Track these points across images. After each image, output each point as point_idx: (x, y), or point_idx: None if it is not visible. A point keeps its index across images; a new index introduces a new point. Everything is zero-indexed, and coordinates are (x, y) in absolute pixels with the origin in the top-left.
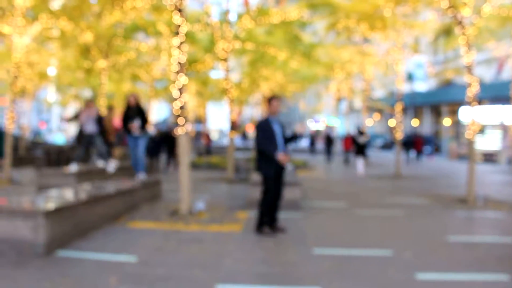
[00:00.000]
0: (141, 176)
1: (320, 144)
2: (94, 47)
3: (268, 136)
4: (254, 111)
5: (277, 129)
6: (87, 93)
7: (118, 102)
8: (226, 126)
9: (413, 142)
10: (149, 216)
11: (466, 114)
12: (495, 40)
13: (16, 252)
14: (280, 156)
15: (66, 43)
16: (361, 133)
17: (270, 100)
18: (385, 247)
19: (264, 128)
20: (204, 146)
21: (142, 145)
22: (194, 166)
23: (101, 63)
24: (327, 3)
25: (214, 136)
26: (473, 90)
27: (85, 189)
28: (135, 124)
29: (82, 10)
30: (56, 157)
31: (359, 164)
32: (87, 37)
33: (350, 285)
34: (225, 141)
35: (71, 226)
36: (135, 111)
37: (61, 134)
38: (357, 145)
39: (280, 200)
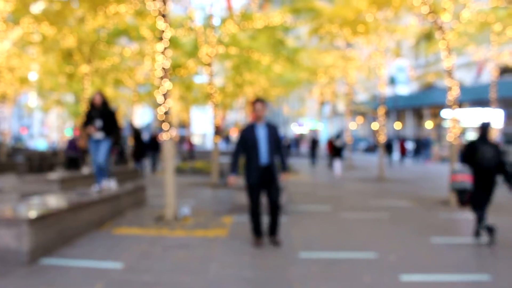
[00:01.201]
0: (106, 184)
1: (304, 148)
2: (77, 51)
3: (246, 143)
4: (238, 116)
5: (261, 134)
6: (69, 98)
7: None
8: (209, 131)
9: (399, 145)
10: (134, 222)
11: (447, 116)
12: (474, 45)
13: None
14: (230, 179)
15: (48, 48)
16: (337, 136)
17: (254, 103)
18: (370, 250)
19: (243, 134)
20: (187, 151)
21: (104, 149)
22: (179, 171)
23: (84, 68)
24: (310, 8)
25: (197, 140)
26: (454, 93)
27: (69, 196)
28: (95, 125)
29: (65, 15)
30: (38, 163)
31: (337, 165)
32: (70, 41)
33: (336, 287)
34: (209, 146)
35: (55, 234)
36: (98, 112)
37: (42, 140)
38: (334, 148)
39: (275, 213)
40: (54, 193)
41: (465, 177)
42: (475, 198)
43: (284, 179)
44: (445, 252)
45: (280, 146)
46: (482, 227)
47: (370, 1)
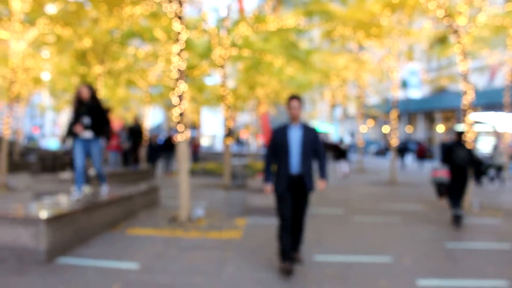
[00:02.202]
0: (104, 190)
1: None
2: (90, 52)
3: (277, 147)
4: (249, 118)
5: (295, 137)
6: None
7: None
8: (219, 132)
9: (417, 149)
10: (148, 223)
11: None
12: (489, 48)
13: (17, 260)
14: (266, 188)
15: (62, 49)
16: (341, 141)
17: (289, 101)
18: (385, 254)
19: (274, 136)
20: (191, 153)
21: (96, 154)
22: (190, 172)
23: (97, 69)
24: (324, 11)
25: (206, 141)
26: (469, 97)
27: (84, 196)
28: (82, 123)
29: (79, 16)
30: (51, 162)
31: (343, 165)
32: (84, 42)
33: None
34: (219, 147)
35: (72, 233)
36: (86, 107)
37: (54, 140)
38: (339, 151)
39: (299, 229)
40: (68, 192)
41: (443, 173)
42: (451, 190)
43: (321, 188)
44: (461, 257)
45: (320, 152)
46: (455, 213)
47: (384, 4)
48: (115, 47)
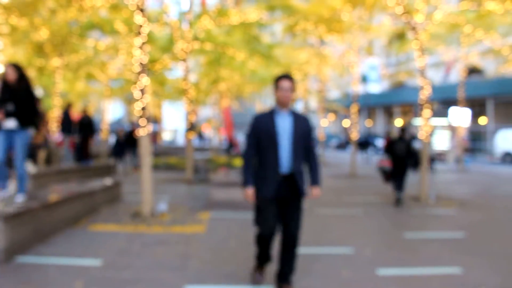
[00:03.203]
0: (18, 199)
1: None
2: (48, 44)
3: (260, 138)
4: (211, 111)
5: (284, 126)
6: (38, 93)
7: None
8: (181, 126)
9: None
10: (110, 218)
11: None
12: (444, 45)
13: None
14: (248, 194)
15: (17, 40)
16: None
17: (278, 81)
18: (347, 245)
19: (256, 125)
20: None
21: (19, 145)
22: (153, 167)
23: (55, 62)
24: (286, 6)
25: (166, 136)
26: (426, 92)
27: (43, 192)
28: (4, 109)
29: (36, 6)
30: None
31: None
32: (41, 34)
33: (316, 283)
34: (180, 142)
35: (31, 231)
36: (11, 91)
37: None
38: None
39: (291, 249)
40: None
41: (386, 163)
42: (393, 176)
43: (314, 197)
44: (419, 247)
45: (311, 149)
46: (397, 196)
47: (345, 0)
48: (74, 39)
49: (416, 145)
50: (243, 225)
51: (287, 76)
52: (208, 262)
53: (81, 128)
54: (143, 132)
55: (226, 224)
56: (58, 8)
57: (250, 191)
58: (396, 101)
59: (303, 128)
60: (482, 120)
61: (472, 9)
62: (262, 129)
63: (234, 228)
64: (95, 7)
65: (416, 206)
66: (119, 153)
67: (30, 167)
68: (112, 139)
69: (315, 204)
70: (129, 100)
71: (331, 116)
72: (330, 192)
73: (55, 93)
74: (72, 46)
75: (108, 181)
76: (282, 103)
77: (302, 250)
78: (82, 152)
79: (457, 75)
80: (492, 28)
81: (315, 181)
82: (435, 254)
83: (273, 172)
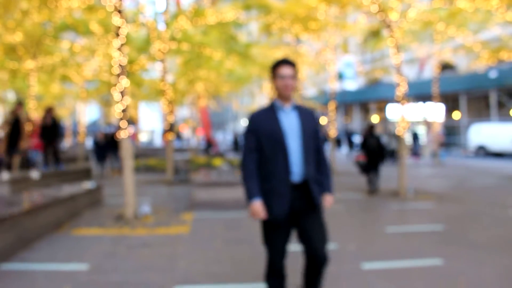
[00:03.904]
0: None
1: None
2: (21, 46)
3: (262, 141)
4: (188, 112)
5: (290, 124)
6: (11, 96)
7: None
8: (158, 127)
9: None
10: (93, 222)
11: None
12: (418, 42)
13: None
14: (254, 209)
15: None
16: None
17: (276, 68)
18: (331, 241)
19: (255, 125)
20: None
21: None
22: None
23: (29, 64)
24: (262, 5)
25: (143, 137)
26: (402, 89)
27: (24, 198)
28: None
29: (8, 7)
30: None
31: None
32: (14, 36)
33: None
34: (158, 143)
35: (14, 237)
36: None
37: None
38: None
39: (318, 269)
40: (6, 195)
41: (361, 157)
42: (368, 169)
43: (327, 205)
44: (400, 240)
45: (320, 148)
46: (371, 187)
47: None
48: (48, 41)
49: (384, 140)
50: (227, 225)
51: (286, 61)
52: (195, 262)
53: (44, 132)
54: (124, 134)
55: (210, 224)
56: (31, 9)
57: (257, 206)
58: (372, 97)
59: (311, 125)
60: (456, 115)
61: (444, 7)
62: (263, 130)
63: (218, 228)
64: (71, 8)
65: (395, 201)
66: (100, 156)
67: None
68: (89, 142)
69: None
70: (105, 102)
71: None
72: None
73: (30, 96)
74: (46, 48)
75: (89, 184)
76: (284, 94)
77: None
78: (53, 156)
79: (430, 71)
80: (464, 25)
81: (327, 188)
82: (416, 246)
83: (283, 182)
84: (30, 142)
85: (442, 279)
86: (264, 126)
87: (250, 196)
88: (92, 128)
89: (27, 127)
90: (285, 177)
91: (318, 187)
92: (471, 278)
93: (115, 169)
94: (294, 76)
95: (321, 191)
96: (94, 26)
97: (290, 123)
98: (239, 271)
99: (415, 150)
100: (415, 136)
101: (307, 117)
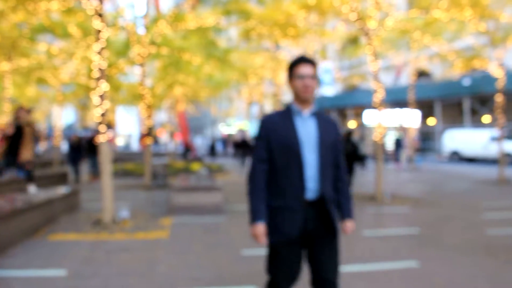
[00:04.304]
0: None
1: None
2: None
3: (275, 149)
4: (165, 116)
5: (309, 134)
6: None
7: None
8: (136, 132)
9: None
10: (71, 227)
11: (370, 117)
12: (395, 49)
13: None
14: (256, 232)
15: None
16: (250, 139)
17: (293, 67)
18: None
19: (266, 132)
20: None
21: None
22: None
23: (4, 66)
24: (242, 11)
25: (120, 141)
26: (379, 95)
27: None
28: None
29: None
30: None
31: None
32: None
33: None
34: (134, 147)
35: None
36: None
37: None
38: (248, 147)
39: None
40: None
41: None
42: None
43: (348, 231)
44: (377, 243)
45: (340, 163)
46: None
47: (301, 5)
48: (24, 43)
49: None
50: (206, 229)
51: (306, 59)
52: (176, 266)
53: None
54: (103, 138)
55: (189, 229)
56: (6, 9)
57: (259, 229)
58: (349, 103)
59: (331, 136)
60: (431, 121)
61: (421, 17)
62: (276, 138)
63: (197, 233)
64: (49, 10)
65: (372, 205)
66: (74, 160)
67: None
68: (65, 146)
69: None
70: (82, 106)
71: None
72: None
73: (5, 99)
74: (22, 50)
75: (65, 189)
76: (302, 97)
77: (264, 251)
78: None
79: (407, 78)
80: (439, 34)
81: (347, 212)
82: (393, 249)
83: (296, 198)
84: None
85: (418, 281)
86: (277, 133)
87: (253, 217)
88: (68, 132)
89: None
90: (300, 194)
91: (335, 208)
92: (446, 280)
93: (92, 174)
94: (315, 76)
95: (343, 214)
96: (73, 29)
97: (307, 132)
98: (220, 275)
99: (397, 157)
100: (397, 143)
101: (328, 126)
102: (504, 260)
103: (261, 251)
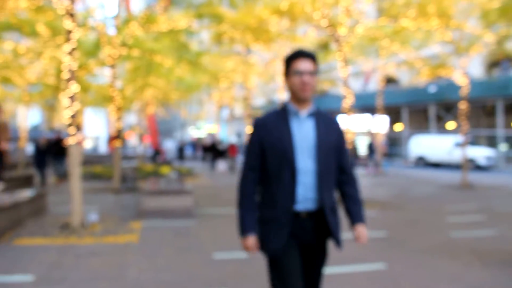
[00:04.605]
0: None
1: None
2: None
3: (267, 156)
4: (134, 119)
5: (306, 136)
6: None
7: None
8: (104, 134)
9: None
10: (37, 231)
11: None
12: (364, 56)
13: None
14: (247, 244)
15: None
16: (219, 142)
17: (291, 61)
18: None
19: (259, 135)
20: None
21: None
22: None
23: None
24: (214, 14)
25: (88, 143)
26: (348, 101)
27: None
28: None
29: None
30: None
31: (220, 164)
32: None
33: (255, 285)
34: (102, 149)
35: None
36: None
37: None
38: (217, 151)
39: None
40: None
41: None
42: None
43: (362, 239)
44: (345, 246)
45: (347, 167)
46: None
47: (273, 11)
48: None
49: None
50: (176, 233)
51: (305, 53)
52: (146, 270)
53: None
54: (72, 140)
55: (159, 233)
56: None
57: (250, 242)
58: (319, 108)
59: (332, 138)
60: (398, 127)
61: (389, 25)
62: (269, 141)
63: (167, 236)
64: (18, 7)
65: (340, 209)
66: (41, 163)
67: None
68: (30, 148)
69: None
70: (49, 106)
71: None
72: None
73: None
74: None
75: (31, 192)
76: (300, 96)
77: (236, 254)
78: None
79: (375, 84)
80: (407, 42)
81: (358, 216)
82: (362, 252)
83: (285, 210)
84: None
85: (386, 282)
86: (271, 137)
87: (243, 230)
88: (34, 133)
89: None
90: (289, 205)
91: (336, 217)
92: (413, 281)
93: (59, 177)
94: (314, 72)
95: (353, 219)
96: (41, 28)
97: (304, 135)
98: (190, 278)
99: (371, 162)
100: (370, 148)
101: (328, 128)
102: (466, 262)
103: (233, 254)
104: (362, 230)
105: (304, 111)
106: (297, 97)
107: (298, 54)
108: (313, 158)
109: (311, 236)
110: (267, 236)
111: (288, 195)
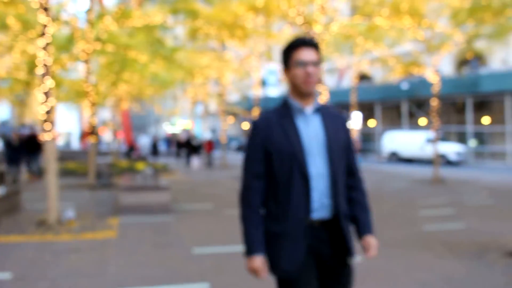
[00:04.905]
0: None
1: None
2: None
3: (271, 160)
4: (108, 114)
5: (315, 135)
6: None
7: None
8: (76, 130)
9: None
10: (13, 229)
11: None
12: (338, 53)
13: None
14: (254, 265)
15: None
16: (194, 137)
17: (291, 50)
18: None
19: (260, 137)
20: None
21: None
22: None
23: None
24: (189, 10)
25: (60, 139)
26: (323, 97)
27: None
28: None
29: None
30: None
31: (195, 161)
32: None
33: (236, 279)
34: (75, 145)
35: None
36: None
37: None
38: (191, 147)
39: None
40: None
41: None
42: None
43: (371, 251)
44: None
45: (354, 167)
46: None
47: (248, 7)
48: None
49: None
50: (154, 229)
51: (307, 41)
52: (125, 266)
53: None
54: (48, 136)
55: (137, 228)
56: None
57: (257, 263)
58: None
59: (342, 136)
60: (371, 123)
61: (364, 23)
62: (275, 143)
63: (146, 232)
64: None
65: None
66: (13, 160)
67: None
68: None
69: (222, 206)
70: (19, 102)
71: (231, 119)
72: (234, 193)
73: None
74: None
75: (3, 190)
76: (304, 90)
77: (215, 249)
78: None
79: (349, 81)
80: (380, 40)
81: (366, 226)
82: None
83: (298, 222)
84: None
85: (361, 275)
86: (276, 137)
87: (249, 249)
88: (2, 129)
89: None
90: (304, 216)
91: (349, 225)
92: (386, 272)
93: (33, 174)
94: (318, 63)
95: (360, 229)
96: (11, 21)
97: (312, 134)
98: (171, 273)
99: None
100: None
101: (336, 124)
102: (438, 253)
103: (213, 249)
104: (371, 241)
105: (309, 107)
106: (300, 91)
107: (300, 43)
108: (324, 160)
109: (328, 249)
110: (277, 254)
111: (302, 203)
